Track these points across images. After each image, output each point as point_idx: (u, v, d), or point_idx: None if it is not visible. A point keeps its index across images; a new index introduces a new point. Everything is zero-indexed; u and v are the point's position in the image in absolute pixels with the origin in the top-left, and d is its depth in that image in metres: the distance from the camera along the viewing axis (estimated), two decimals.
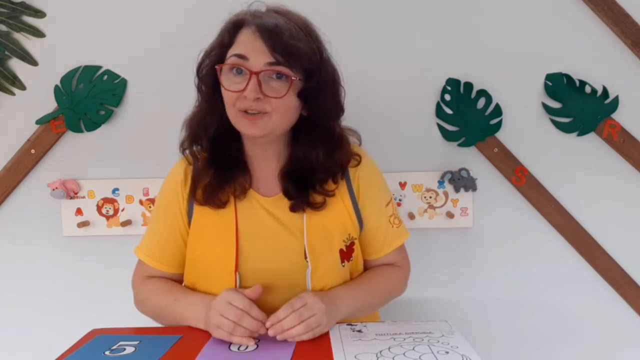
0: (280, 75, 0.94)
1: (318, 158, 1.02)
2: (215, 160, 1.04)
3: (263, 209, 1.05)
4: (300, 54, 0.94)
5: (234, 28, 0.97)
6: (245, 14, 0.99)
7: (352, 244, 1.07)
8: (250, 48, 0.93)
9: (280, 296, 0.99)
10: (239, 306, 0.91)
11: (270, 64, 0.93)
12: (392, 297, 1.15)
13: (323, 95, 0.99)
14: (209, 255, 1.04)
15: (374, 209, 1.10)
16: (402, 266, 1.16)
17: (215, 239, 1.04)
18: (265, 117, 0.95)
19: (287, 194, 1.03)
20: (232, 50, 0.96)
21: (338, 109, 1.05)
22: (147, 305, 1.09)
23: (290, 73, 0.94)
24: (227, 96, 0.97)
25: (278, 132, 1.00)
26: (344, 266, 1.06)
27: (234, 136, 1.04)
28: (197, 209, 1.05)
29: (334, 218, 1.05)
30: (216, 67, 0.97)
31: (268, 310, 0.95)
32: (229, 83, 0.96)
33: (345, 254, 1.06)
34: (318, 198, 1.03)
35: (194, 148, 1.06)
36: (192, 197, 1.05)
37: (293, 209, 1.03)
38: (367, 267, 1.15)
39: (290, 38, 0.93)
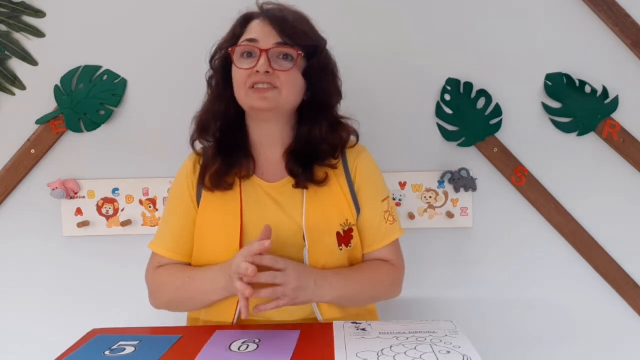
0: (287, 56, 1.05)
1: (322, 133, 1.11)
2: (223, 148, 1.12)
3: (266, 194, 1.11)
4: (304, 35, 1.07)
5: (244, 21, 1.09)
6: (254, 8, 1.11)
7: (351, 230, 1.11)
8: (261, 32, 1.05)
9: None
10: (247, 252, 0.96)
11: (279, 44, 1.04)
12: (384, 293, 1.16)
13: (324, 78, 1.11)
14: (215, 236, 1.09)
15: (369, 201, 1.14)
16: (396, 265, 1.16)
17: (222, 222, 1.10)
18: (274, 90, 1.04)
19: (292, 172, 1.10)
20: (244, 37, 1.07)
21: (338, 93, 1.15)
22: (163, 292, 1.11)
23: (296, 50, 1.05)
24: (239, 75, 1.05)
25: (285, 108, 1.08)
26: (341, 250, 1.09)
27: (241, 126, 1.13)
28: (205, 197, 1.12)
29: (331, 202, 1.10)
30: (229, 49, 1.07)
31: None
32: (241, 64, 1.05)
33: (343, 239, 1.10)
34: (321, 173, 1.10)
35: (203, 139, 1.14)
36: (201, 184, 1.12)
37: (297, 185, 1.10)
38: (363, 261, 1.16)
39: (295, 22, 1.07)
